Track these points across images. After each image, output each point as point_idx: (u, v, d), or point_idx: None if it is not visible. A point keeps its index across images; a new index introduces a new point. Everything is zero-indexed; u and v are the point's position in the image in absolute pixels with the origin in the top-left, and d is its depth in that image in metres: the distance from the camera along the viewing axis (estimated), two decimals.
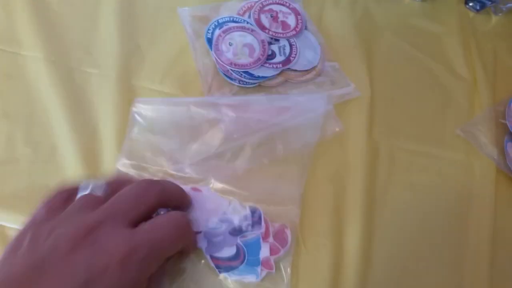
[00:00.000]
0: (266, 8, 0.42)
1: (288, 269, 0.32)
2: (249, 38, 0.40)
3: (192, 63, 0.40)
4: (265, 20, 0.42)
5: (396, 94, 0.42)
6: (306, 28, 0.43)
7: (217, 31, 0.40)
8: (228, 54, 0.39)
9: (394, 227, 0.36)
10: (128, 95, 0.38)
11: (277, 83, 0.40)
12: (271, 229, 0.32)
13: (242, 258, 0.31)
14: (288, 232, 0.33)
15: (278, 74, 0.40)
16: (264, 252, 0.31)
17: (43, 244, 0.22)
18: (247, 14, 0.42)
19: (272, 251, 0.32)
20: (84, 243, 0.22)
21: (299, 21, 0.42)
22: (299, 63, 0.40)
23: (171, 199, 0.28)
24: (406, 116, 0.41)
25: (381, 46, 0.45)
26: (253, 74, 0.39)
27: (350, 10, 0.47)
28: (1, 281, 0.21)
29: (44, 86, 0.38)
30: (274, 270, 0.31)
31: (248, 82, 0.39)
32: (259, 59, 0.39)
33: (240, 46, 0.40)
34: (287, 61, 0.40)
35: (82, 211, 0.25)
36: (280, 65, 0.40)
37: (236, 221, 0.32)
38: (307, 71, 0.41)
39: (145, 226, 0.25)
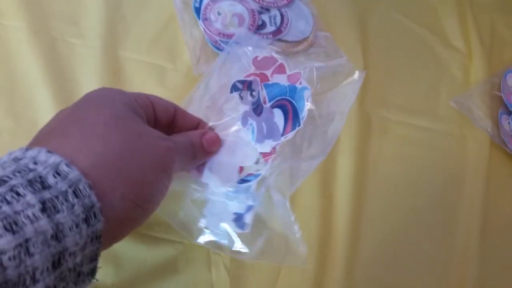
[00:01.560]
0: None
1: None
2: (238, 8, 0.39)
3: (180, 34, 0.39)
4: None
5: (390, 65, 0.41)
6: None
7: (205, 0, 0.38)
8: (217, 24, 0.38)
9: (384, 200, 0.36)
10: (113, 66, 0.37)
11: None
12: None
13: (291, 107, 0.30)
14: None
15: (268, 45, 0.39)
16: (282, 80, 0.31)
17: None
18: None
19: (293, 77, 0.31)
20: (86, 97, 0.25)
21: None
22: (291, 34, 0.39)
23: None
24: (399, 88, 0.40)
25: (375, 16, 0.43)
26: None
27: None
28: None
29: (26, 57, 0.36)
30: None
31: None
32: (248, 29, 0.38)
33: (229, 15, 0.38)
34: (278, 31, 0.39)
35: None
36: (271, 36, 0.38)
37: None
38: (298, 42, 0.39)
39: None
